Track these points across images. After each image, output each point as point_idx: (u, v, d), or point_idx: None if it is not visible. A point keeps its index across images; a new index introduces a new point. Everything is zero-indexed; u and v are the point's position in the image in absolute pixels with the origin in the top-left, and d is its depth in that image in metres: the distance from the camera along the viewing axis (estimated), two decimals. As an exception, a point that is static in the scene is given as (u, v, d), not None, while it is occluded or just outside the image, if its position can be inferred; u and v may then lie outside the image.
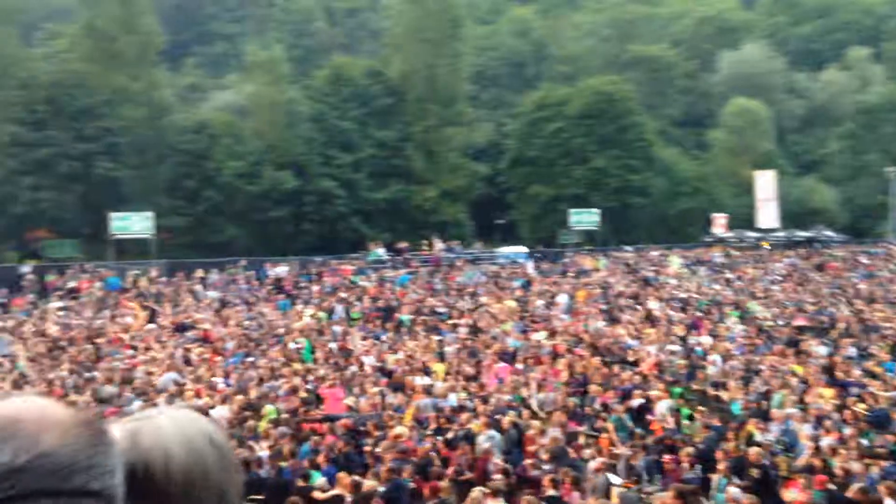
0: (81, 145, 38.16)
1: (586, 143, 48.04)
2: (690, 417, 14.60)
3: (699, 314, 25.44)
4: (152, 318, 24.48)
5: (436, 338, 21.25)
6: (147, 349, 19.57)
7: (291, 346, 20.19)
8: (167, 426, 1.07)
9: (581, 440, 12.83)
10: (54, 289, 30.21)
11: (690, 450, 12.11)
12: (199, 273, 31.52)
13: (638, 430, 13.56)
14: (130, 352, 19.22)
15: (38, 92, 38.06)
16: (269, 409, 14.17)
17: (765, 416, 14.18)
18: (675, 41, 61.83)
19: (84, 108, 38.63)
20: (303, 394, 15.28)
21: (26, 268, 33.09)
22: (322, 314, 25.21)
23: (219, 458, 1.08)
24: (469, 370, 17.39)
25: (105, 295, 28.62)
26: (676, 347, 20.05)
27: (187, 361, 18.24)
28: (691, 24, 63.95)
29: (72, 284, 30.17)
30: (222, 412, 13.50)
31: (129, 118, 40.11)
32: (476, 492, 9.69)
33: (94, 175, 38.29)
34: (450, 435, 13.09)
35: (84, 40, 42.03)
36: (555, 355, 18.66)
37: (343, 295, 28.80)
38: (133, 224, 35.80)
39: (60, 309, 26.13)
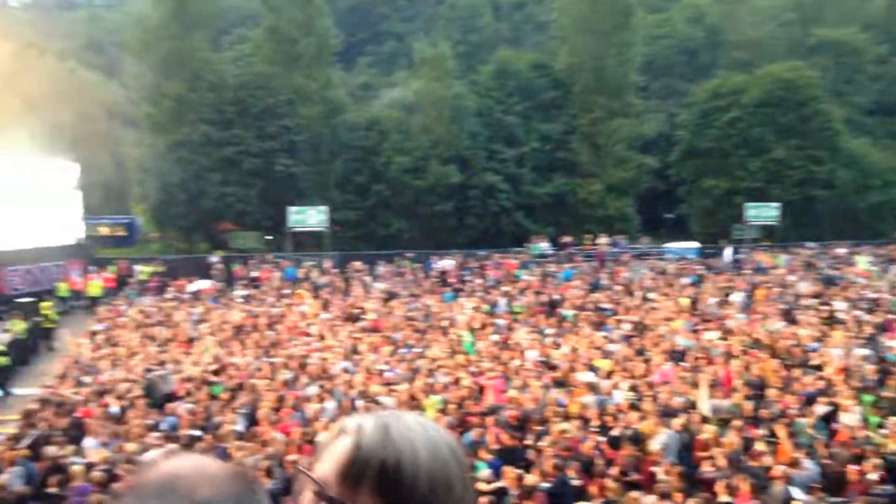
0: (263, 143, 40.59)
1: (765, 134, 45.30)
2: (880, 426, 13.38)
3: (891, 316, 23.31)
4: (325, 307, 25.65)
5: (600, 334, 20.83)
6: (321, 337, 20.48)
7: (455, 337, 20.47)
8: (415, 428, 1.05)
9: (759, 446, 12.08)
10: (239, 278, 32.43)
11: (880, 462, 11.09)
12: (357, 265, 32.57)
13: (822, 439, 12.60)
14: (306, 339, 20.19)
15: (226, 93, 40.79)
16: (433, 399, 14.40)
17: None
18: (866, 24, 56.97)
19: (266, 108, 41.02)
20: (466, 384, 15.41)
21: (215, 258, 35.75)
22: (485, 307, 25.39)
23: (460, 474, 1.05)
24: (637, 368, 16.87)
25: (283, 284, 30.35)
26: (866, 351, 18.46)
27: (356, 350, 18.91)
28: (884, 5, 58.73)
29: (254, 274, 32.25)
30: (389, 401, 13.87)
31: (306, 117, 42.24)
32: (647, 498, 9.34)
33: (275, 171, 40.63)
34: (615, 433, 12.75)
35: (267, 43, 44.66)
36: (728, 356, 17.71)
37: (506, 288, 28.89)
38: (309, 218, 37.69)
39: (244, 297, 27.95)
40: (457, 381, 15.60)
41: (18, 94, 48.80)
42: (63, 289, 29.38)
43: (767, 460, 11.33)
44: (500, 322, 22.90)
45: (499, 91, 46.56)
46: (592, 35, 45.35)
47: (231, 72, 43.12)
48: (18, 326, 22.24)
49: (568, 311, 24.33)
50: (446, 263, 33.81)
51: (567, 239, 39.76)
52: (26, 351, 22.43)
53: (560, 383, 15.96)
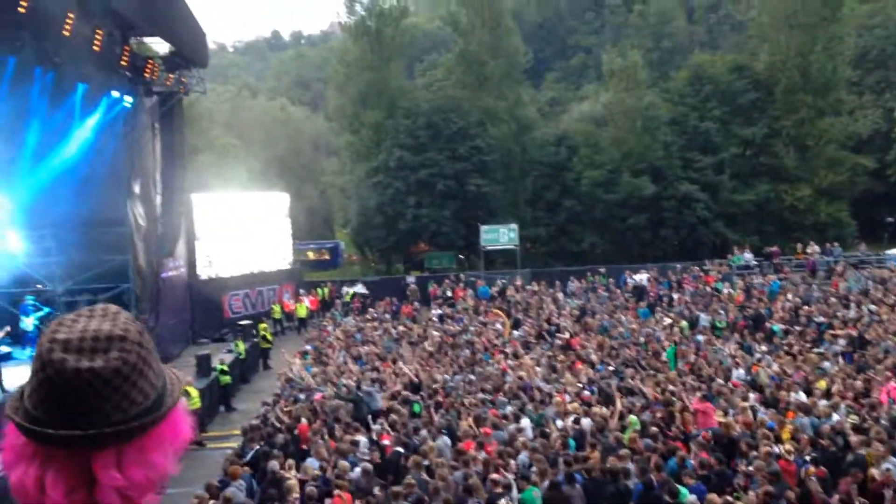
0: (456, 165, 41.65)
1: None
2: None
3: None
4: (517, 325, 25.73)
5: (815, 350, 19.26)
6: (515, 355, 20.54)
7: (653, 354, 19.76)
8: None
9: None
10: (434, 297, 33.36)
11: None
12: (531, 284, 32.31)
13: None
14: (500, 356, 20.33)
15: (420, 119, 42.33)
16: (632, 419, 13.94)
17: None
18: None
19: (458, 130, 42.09)
20: (668, 404, 14.78)
21: (411, 278, 37.06)
22: (684, 323, 24.34)
23: None
24: (857, 386, 15.41)
25: (476, 303, 30.84)
26: None
27: (552, 368, 18.76)
28: None
29: (449, 293, 33.05)
30: (587, 422, 13.60)
31: (496, 136, 42.88)
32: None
33: (467, 191, 41.54)
34: (833, 459, 11.67)
35: (457, 67, 45.97)
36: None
37: (707, 303, 27.57)
38: (500, 236, 38.08)
39: (439, 316, 28.67)
40: (657, 401, 15.01)
41: (236, 133, 53.55)
42: (277, 311, 31.63)
43: None
44: (701, 338, 21.84)
45: (694, 97, 44.82)
46: (797, 30, 42.54)
47: (424, 97, 44.69)
48: (240, 347, 24.19)
49: (777, 326, 22.76)
50: (641, 278, 32.86)
51: (773, 249, 37.30)
52: (246, 369, 24.34)
53: (769, 404, 14.91)
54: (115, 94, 23.22)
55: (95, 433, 1.24)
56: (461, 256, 42.90)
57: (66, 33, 19.16)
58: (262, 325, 27.12)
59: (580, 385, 16.66)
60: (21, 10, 17.01)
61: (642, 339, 22.13)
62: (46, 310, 23.16)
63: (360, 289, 34.90)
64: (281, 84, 79.36)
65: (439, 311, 29.53)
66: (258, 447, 13.34)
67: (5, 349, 21.67)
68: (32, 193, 22.47)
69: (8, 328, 20.26)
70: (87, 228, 23.35)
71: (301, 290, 34.11)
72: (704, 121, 43.77)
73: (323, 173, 53.58)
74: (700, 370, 17.88)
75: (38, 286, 23.76)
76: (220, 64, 79.30)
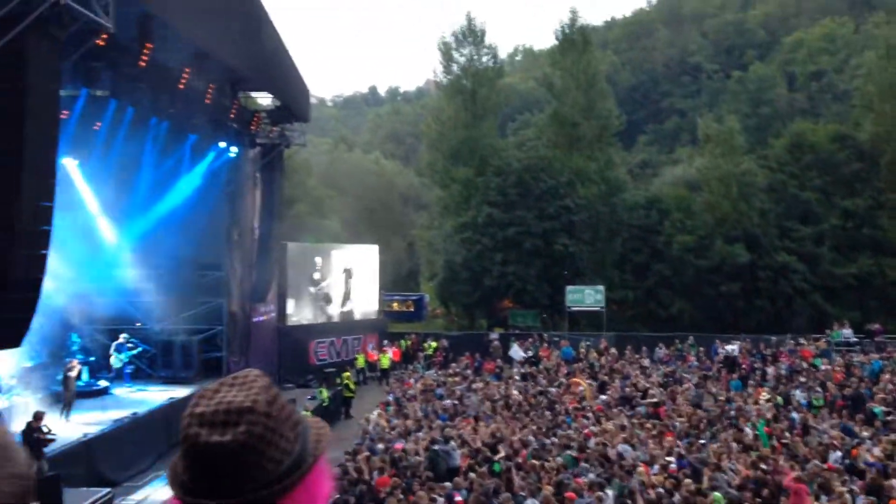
0: (544, 223, 41.61)
1: None
2: None
3: None
4: (602, 389, 25.21)
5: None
6: (598, 420, 20.10)
7: (746, 430, 18.97)
8: None
9: None
10: (517, 349, 33.10)
11: None
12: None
13: None
14: (584, 421, 19.92)
15: (510, 177, 42.65)
16: (716, 496, 13.38)
17: None
18: None
19: (547, 190, 42.16)
20: (758, 477, 14.13)
21: (494, 335, 36.93)
22: (779, 399, 23.33)
23: None
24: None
25: (560, 364, 30.42)
26: None
27: (637, 437, 18.25)
28: None
29: (531, 353, 32.74)
30: (677, 498, 13.13)
31: (586, 197, 42.76)
32: None
33: (554, 251, 41.37)
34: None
35: (550, 127, 46.39)
36: None
37: (802, 379, 26.38)
38: (586, 297, 37.67)
39: (522, 375, 28.40)
40: (748, 479, 14.37)
41: (331, 184, 55.18)
42: (361, 360, 31.99)
43: None
44: (796, 416, 20.86)
45: (793, 165, 43.69)
46: (902, 101, 41.24)
47: (515, 156, 45.11)
48: (324, 394, 24.51)
49: (878, 408, 21.54)
50: (733, 348, 31.76)
51: (875, 326, 35.54)
52: (328, 416, 24.60)
53: (871, 491, 14.06)
54: (222, 144, 24.40)
55: (234, 502, 1.32)
56: (545, 316, 42.55)
57: (181, 86, 20.32)
58: (346, 374, 27.44)
59: (666, 457, 16.13)
60: (142, 63, 18.15)
61: (733, 413, 21.31)
62: (141, 348, 24.16)
63: (442, 343, 35.03)
64: (376, 138, 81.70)
65: (523, 370, 29.26)
66: (336, 497, 13.41)
67: (104, 383, 22.62)
68: (139, 235, 23.68)
69: (75, 362, 21.07)
70: (187, 271, 24.41)
71: (385, 341, 34.44)
72: (804, 190, 42.55)
73: (412, 226, 54.49)
74: (795, 449, 17.06)
75: (137, 324, 24.84)
76: (319, 117, 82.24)
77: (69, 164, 21.22)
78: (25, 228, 12.54)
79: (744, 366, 29.52)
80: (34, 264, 12.97)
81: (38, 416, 15.29)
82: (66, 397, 19.46)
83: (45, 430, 15.14)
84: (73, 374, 19.99)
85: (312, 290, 32.73)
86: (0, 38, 11.85)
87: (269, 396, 1.40)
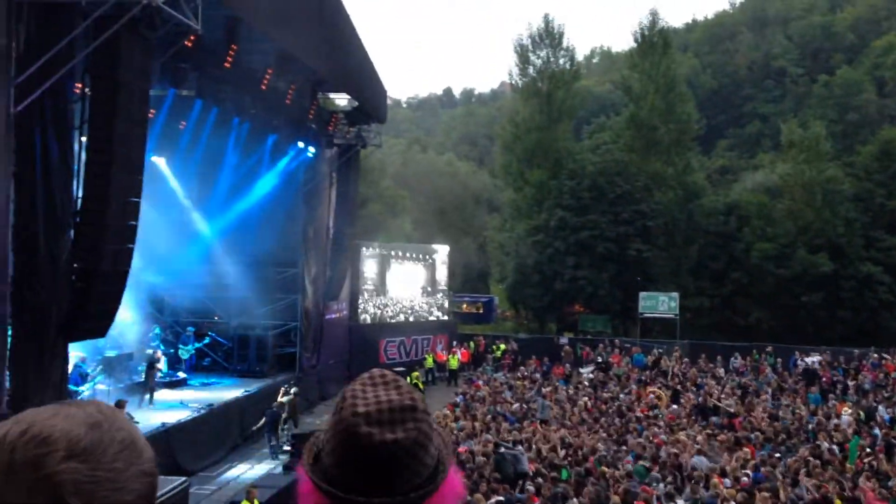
0: (617, 228, 41.05)
1: None
2: None
3: None
4: (675, 398, 24.71)
5: None
6: (671, 430, 19.71)
7: (824, 445, 18.31)
8: None
9: None
10: (587, 360, 32.76)
11: None
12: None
13: None
14: (656, 430, 19.56)
15: (584, 180, 42.22)
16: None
17: None
18: None
19: (622, 194, 41.58)
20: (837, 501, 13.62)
21: (564, 339, 36.61)
22: (861, 414, 22.43)
23: None
24: None
25: (631, 370, 29.95)
26: None
27: (710, 448, 17.83)
28: None
29: (600, 358, 32.33)
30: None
31: (662, 202, 42.00)
32: None
33: (627, 256, 40.76)
34: None
35: (626, 131, 45.74)
36: None
37: (886, 394, 25.33)
38: (659, 304, 37.00)
39: (591, 381, 28.08)
40: (826, 494, 13.87)
41: (404, 185, 55.70)
42: (430, 361, 32.15)
43: None
44: (878, 432, 20.03)
45: (881, 174, 42.02)
46: None
47: (590, 159, 44.65)
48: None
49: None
50: (813, 360, 30.72)
51: (968, 341, 33.87)
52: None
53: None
54: (301, 144, 24.90)
55: (395, 500, 1.32)
56: (616, 321, 42.00)
57: (264, 87, 20.83)
58: (415, 374, 27.59)
59: (741, 469, 15.70)
60: (227, 65, 18.69)
61: (811, 427, 20.60)
62: (206, 340, 24.85)
63: (511, 345, 34.93)
64: (449, 139, 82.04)
65: (592, 376, 28.94)
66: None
67: (182, 374, 23.36)
68: (219, 232, 24.38)
69: (159, 352, 21.78)
70: (264, 268, 24.98)
71: (454, 342, 34.54)
72: (892, 199, 40.84)
73: (484, 228, 54.48)
74: (877, 467, 16.38)
75: (215, 318, 25.56)
76: (394, 118, 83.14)
77: (158, 162, 22.00)
78: (114, 223, 13.03)
79: (824, 379, 28.52)
80: (121, 257, 13.48)
81: (119, 405, 15.86)
82: (150, 386, 20.23)
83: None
84: (158, 364, 20.74)
85: (383, 288, 33.09)
86: (96, 37, 12.37)
87: (420, 396, 1.41)
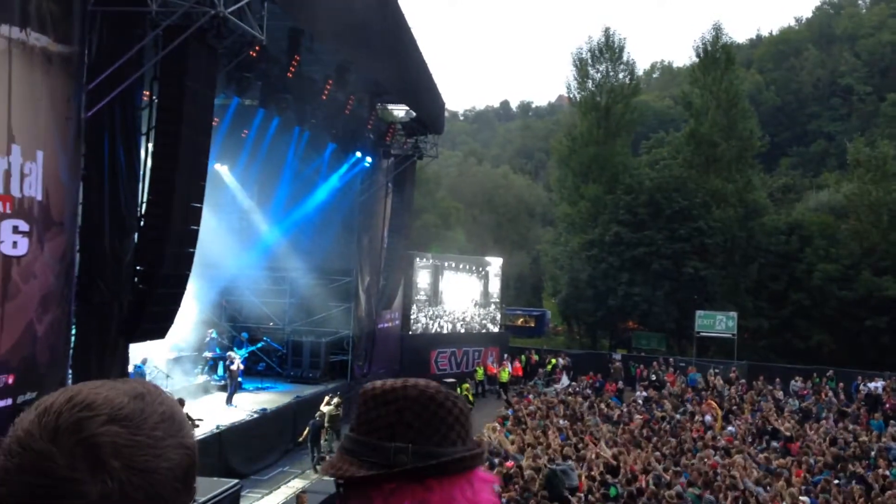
0: (674, 245, 40.37)
1: None
2: None
3: None
4: (731, 420, 24.14)
5: None
6: (726, 451, 19.26)
7: (885, 472, 17.66)
8: None
9: None
10: (640, 378, 32.24)
11: None
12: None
13: None
14: (711, 451, 19.14)
15: (641, 196, 41.70)
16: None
17: None
18: None
19: (680, 210, 40.92)
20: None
21: (617, 356, 36.13)
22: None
23: None
24: None
25: (685, 390, 29.38)
26: None
27: (768, 472, 17.36)
28: None
29: (654, 377, 31.79)
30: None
31: (721, 219, 41.20)
32: None
33: (683, 273, 40.05)
34: None
35: (686, 147, 45.05)
36: None
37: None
38: (717, 323, 36.25)
39: (645, 399, 27.63)
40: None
41: (459, 197, 55.84)
42: (480, 373, 32.06)
43: None
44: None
45: (952, 195, 40.54)
46: None
47: (647, 175, 44.12)
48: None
49: None
50: (876, 386, 29.72)
51: None
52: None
53: None
54: (358, 154, 25.18)
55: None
56: (670, 340, 41.28)
57: (324, 97, 21.14)
58: (465, 386, 27.56)
59: (799, 497, 15.25)
60: (289, 75, 19.03)
61: (873, 454, 19.91)
62: (260, 344, 25.21)
63: (561, 360, 34.61)
64: (505, 152, 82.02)
65: (645, 394, 28.48)
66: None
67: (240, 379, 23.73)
68: (277, 239, 24.79)
69: (235, 355, 22.27)
70: (319, 276, 25.30)
71: (505, 355, 34.39)
72: (965, 221, 39.40)
73: (537, 242, 54.26)
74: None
75: (270, 324, 25.95)
76: (451, 130, 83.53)
77: (221, 170, 22.49)
78: (176, 227, 13.34)
79: (887, 405, 27.57)
80: (182, 261, 13.78)
81: (178, 403, 16.23)
82: (230, 386, 20.82)
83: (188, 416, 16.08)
84: (234, 366, 21.28)
85: (436, 299, 33.16)
86: (164, 46, 12.73)
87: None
